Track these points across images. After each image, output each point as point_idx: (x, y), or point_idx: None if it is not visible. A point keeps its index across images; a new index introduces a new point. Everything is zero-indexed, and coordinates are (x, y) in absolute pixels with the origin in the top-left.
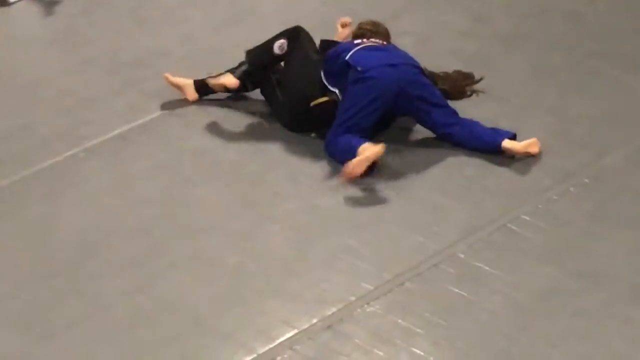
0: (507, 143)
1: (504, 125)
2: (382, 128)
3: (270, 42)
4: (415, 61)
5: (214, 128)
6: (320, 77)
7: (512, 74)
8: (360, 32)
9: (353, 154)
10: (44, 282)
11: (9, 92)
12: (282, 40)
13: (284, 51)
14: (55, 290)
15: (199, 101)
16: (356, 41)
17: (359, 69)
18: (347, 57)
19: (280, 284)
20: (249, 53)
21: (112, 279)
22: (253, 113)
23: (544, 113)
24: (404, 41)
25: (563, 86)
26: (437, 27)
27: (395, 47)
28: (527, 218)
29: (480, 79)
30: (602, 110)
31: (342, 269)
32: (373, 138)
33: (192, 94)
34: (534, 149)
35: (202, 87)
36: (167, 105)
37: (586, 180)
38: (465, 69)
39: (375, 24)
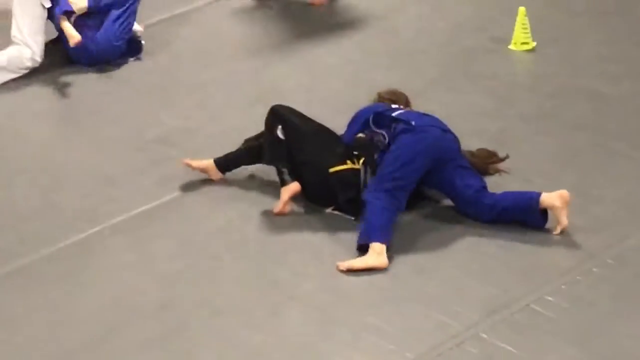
0: (544, 196)
1: None
2: (412, 202)
3: (272, 136)
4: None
5: (237, 206)
6: (345, 148)
7: (535, 154)
8: (381, 100)
9: (369, 237)
10: None
11: (35, 170)
12: (278, 127)
13: (285, 135)
14: None
15: (223, 178)
16: (394, 106)
17: (412, 123)
18: (393, 114)
19: None
20: (273, 159)
21: (135, 357)
22: (276, 189)
23: None
24: None
25: (586, 167)
26: (459, 107)
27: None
28: (551, 298)
29: (505, 158)
30: (625, 192)
31: (365, 349)
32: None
33: (215, 174)
34: (564, 199)
35: (224, 165)
36: (192, 183)
37: (609, 261)
38: (487, 148)
39: (394, 93)
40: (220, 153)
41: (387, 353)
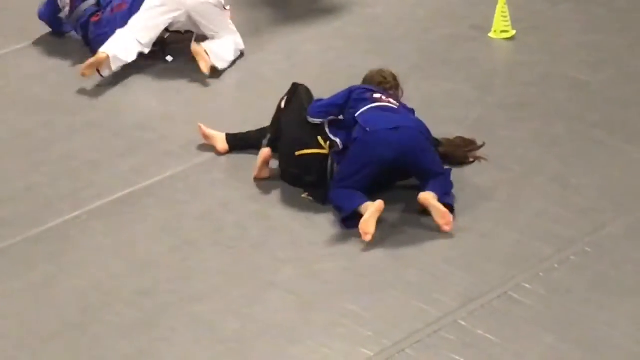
0: (426, 194)
1: (504, 192)
2: (383, 187)
3: (279, 104)
4: (421, 126)
5: (216, 192)
6: (319, 126)
7: (514, 141)
8: (381, 79)
9: (349, 210)
10: (46, 344)
11: (14, 154)
12: (286, 97)
13: (285, 105)
14: (57, 353)
15: (202, 165)
16: (376, 94)
17: (367, 129)
18: (356, 114)
19: (281, 349)
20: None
21: (114, 342)
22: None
23: (545, 181)
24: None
25: (565, 155)
26: (439, 94)
27: (407, 110)
28: (528, 286)
29: (482, 145)
30: (603, 180)
31: (343, 335)
32: (373, 195)
33: (222, 145)
34: (441, 221)
35: (232, 141)
36: (171, 169)
37: (587, 249)
38: (467, 136)
39: (395, 79)
40: (198, 138)
41: (365, 339)
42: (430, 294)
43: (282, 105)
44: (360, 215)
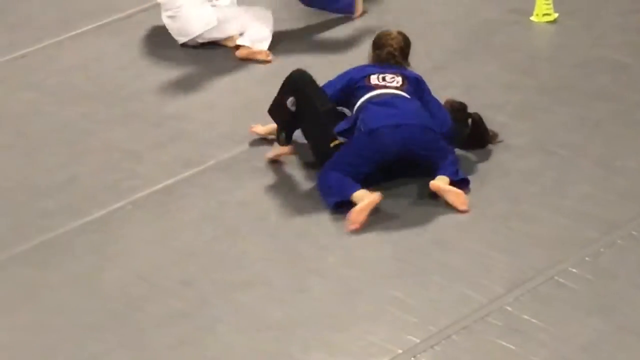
0: (437, 181)
1: (548, 176)
2: (394, 175)
3: (282, 102)
4: (425, 119)
5: (258, 180)
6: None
7: (557, 125)
8: (387, 56)
9: (343, 196)
10: (91, 335)
11: (57, 145)
12: (290, 99)
13: (296, 106)
14: (101, 343)
15: (243, 153)
16: (373, 76)
17: (362, 129)
18: (356, 107)
19: (326, 337)
20: (276, 119)
21: (158, 332)
22: (297, 164)
23: (590, 165)
24: (449, 92)
25: (609, 138)
26: (481, 78)
27: (411, 90)
28: (574, 270)
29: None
30: None
31: (388, 321)
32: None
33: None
34: (456, 201)
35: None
36: (212, 158)
37: (634, 233)
38: (509, 120)
39: (404, 49)
40: (240, 126)
41: (411, 326)
42: (476, 280)
43: (290, 107)
44: (352, 202)
